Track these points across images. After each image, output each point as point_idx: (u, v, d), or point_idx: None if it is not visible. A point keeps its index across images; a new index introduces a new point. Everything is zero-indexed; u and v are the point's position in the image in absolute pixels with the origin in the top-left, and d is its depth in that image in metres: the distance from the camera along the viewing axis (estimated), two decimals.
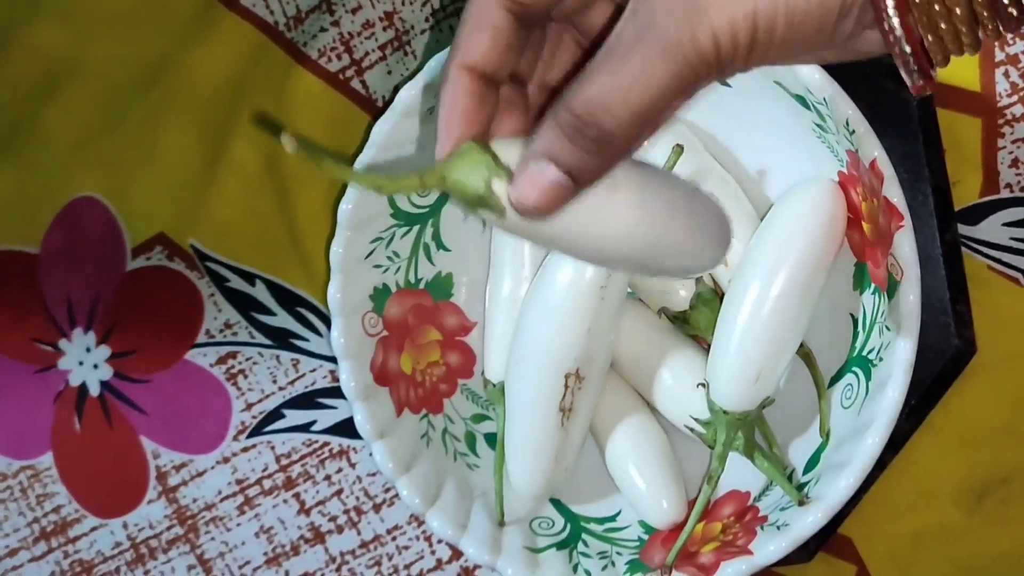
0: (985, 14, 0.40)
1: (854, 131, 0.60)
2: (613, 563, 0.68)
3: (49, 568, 0.81)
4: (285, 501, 0.79)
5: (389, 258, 0.71)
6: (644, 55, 0.41)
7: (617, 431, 0.70)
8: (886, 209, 0.61)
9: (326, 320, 0.77)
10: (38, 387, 0.80)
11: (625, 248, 0.46)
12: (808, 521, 0.62)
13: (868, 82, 0.64)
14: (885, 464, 0.69)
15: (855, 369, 0.65)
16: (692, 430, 0.67)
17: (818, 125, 0.63)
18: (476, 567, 0.77)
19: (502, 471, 0.69)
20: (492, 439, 0.72)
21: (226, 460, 0.79)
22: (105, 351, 0.79)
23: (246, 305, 0.78)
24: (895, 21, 0.40)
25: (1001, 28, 0.40)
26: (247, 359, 0.78)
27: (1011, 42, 0.68)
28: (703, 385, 0.66)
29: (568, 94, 0.42)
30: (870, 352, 0.64)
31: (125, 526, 0.80)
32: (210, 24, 0.77)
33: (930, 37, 0.40)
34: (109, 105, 0.78)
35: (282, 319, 0.78)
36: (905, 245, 0.61)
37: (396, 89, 0.75)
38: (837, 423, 0.65)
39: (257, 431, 0.79)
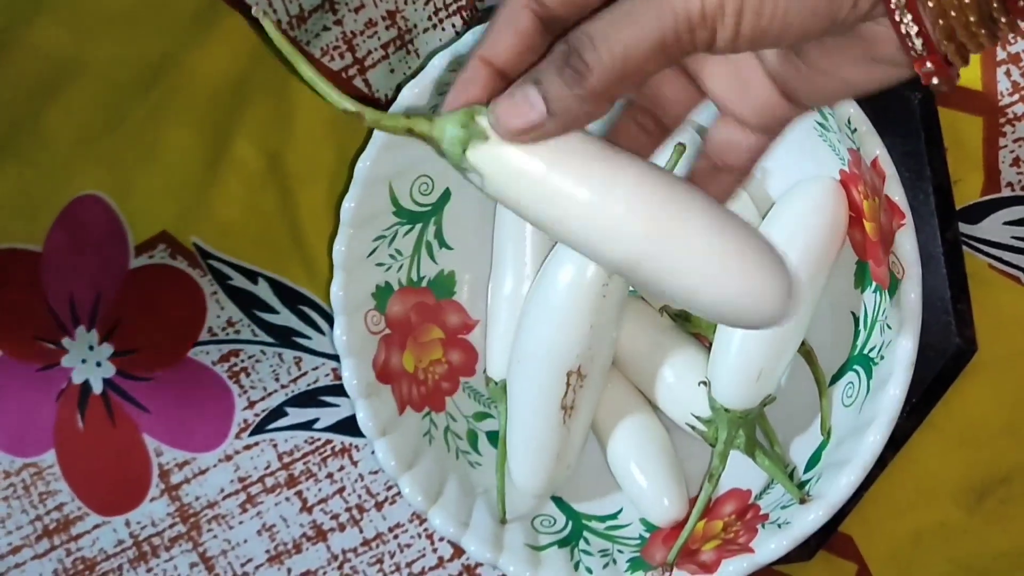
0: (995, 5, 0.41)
1: (855, 129, 0.61)
2: (614, 561, 0.68)
3: (52, 566, 0.81)
4: (287, 499, 0.79)
5: (392, 256, 0.71)
6: (636, 7, 0.43)
7: (619, 429, 0.70)
8: (887, 208, 0.61)
9: (329, 318, 0.77)
10: (41, 385, 0.80)
11: (611, 244, 0.45)
12: (809, 519, 0.62)
13: None
14: (886, 463, 0.69)
15: (856, 367, 0.65)
16: (693, 428, 0.67)
17: (819, 124, 0.63)
18: (478, 565, 0.77)
19: (504, 469, 0.69)
20: (494, 437, 0.73)
21: (228, 458, 0.79)
22: (108, 349, 0.80)
23: (249, 303, 0.78)
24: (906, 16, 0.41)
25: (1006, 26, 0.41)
26: (249, 357, 0.79)
27: (1012, 41, 0.68)
28: (704, 383, 0.66)
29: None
30: (871, 350, 0.64)
31: (127, 524, 0.80)
32: (212, 23, 0.77)
33: (941, 36, 0.41)
34: (111, 104, 0.78)
35: (284, 317, 0.78)
36: (906, 244, 0.61)
37: (399, 88, 0.75)
38: (838, 421, 0.65)
39: (259, 429, 0.79)
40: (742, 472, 0.67)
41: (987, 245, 0.70)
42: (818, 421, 0.66)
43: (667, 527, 0.69)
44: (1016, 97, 0.69)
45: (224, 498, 0.79)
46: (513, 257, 0.70)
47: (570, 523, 0.70)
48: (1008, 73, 0.69)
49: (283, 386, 0.78)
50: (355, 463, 0.78)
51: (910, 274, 0.61)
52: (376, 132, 0.67)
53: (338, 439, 0.78)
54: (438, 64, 0.65)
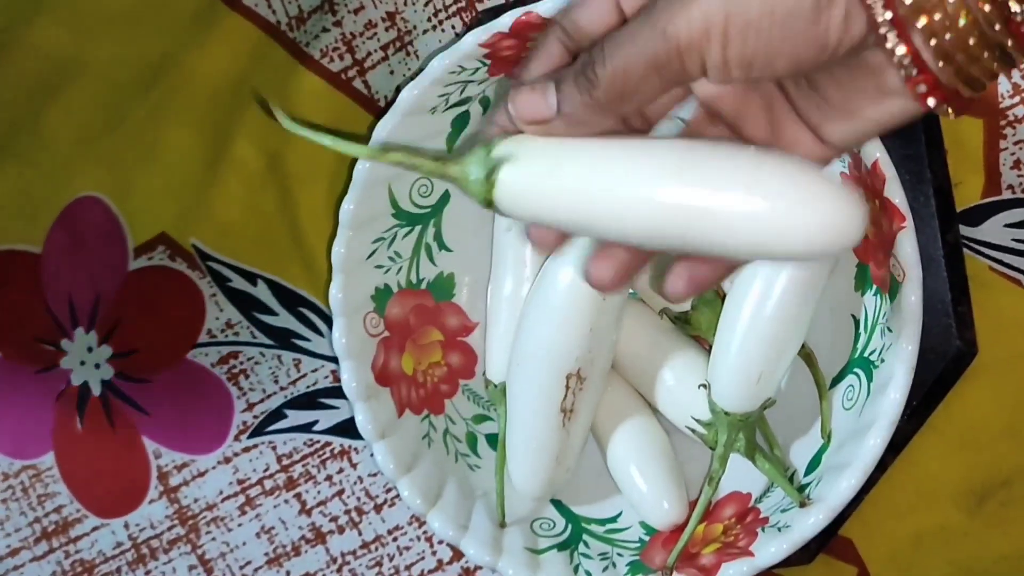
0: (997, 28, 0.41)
1: None
2: (614, 564, 0.68)
3: (50, 568, 0.81)
4: (286, 501, 0.79)
5: (391, 258, 0.71)
6: (638, 28, 0.45)
7: (618, 432, 0.70)
8: (888, 210, 0.61)
9: (328, 320, 0.77)
10: (40, 387, 0.80)
11: (658, 219, 0.46)
12: (809, 522, 0.62)
13: None
14: (886, 466, 0.69)
15: (856, 370, 0.65)
16: (693, 431, 0.67)
17: None
18: (477, 568, 0.77)
19: (503, 472, 0.69)
20: (493, 440, 0.72)
21: (227, 460, 0.79)
22: (107, 351, 0.79)
23: (248, 305, 0.78)
24: (891, 35, 0.41)
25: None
26: (249, 359, 0.78)
27: None
28: (704, 386, 0.66)
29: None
30: (871, 353, 0.64)
31: (126, 526, 0.80)
32: (212, 24, 0.77)
33: (936, 57, 0.41)
34: (111, 104, 0.78)
35: (284, 319, 0.78)
36: (907, 246, 0.61)
37: (398, 89, 0.75)
38: (838, 424, 0.65)
39: (258, 431, 0.79)
40: (742, 475, 0.67)
41: (988, 247, 0.70)
42: (818, 424, 0.66)
43: (667, 530, 0.69)
44: (1017, 99, 0.69)
45: (223, 500, 0.79)
46: (513, 259, 0.70)
47: (570, 526, 0.70)
48: (1009, 76, 0.68)
49: (282, 388, 0.78)
50: (354, 465, 0.78)
51: (910, 277, 0.61)
52: (375, 134, 0.67)
53: (337, 441, 0.78)
54: (438, 66, 0.65)
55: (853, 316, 0.66)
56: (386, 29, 0.75)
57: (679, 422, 0.69)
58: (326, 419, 0.78)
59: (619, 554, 0.69)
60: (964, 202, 0.69)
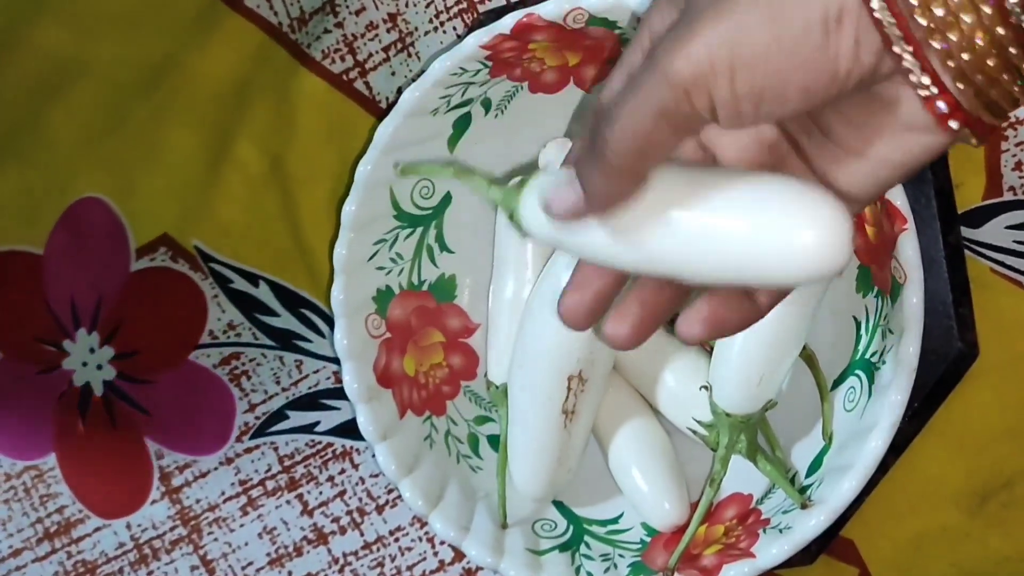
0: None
1: None
2: (615, 565, 0.68)
3: (52, 568, 0.81)
4: (288, 502, 0.79)
5: (392, 260, 0.71)
6: (641, 76, 0.42)
7: (620, 433, 0.70)
8: (889, 212, 0.61)
9: (329, 321, 0.77)
10: (42, 388, 0.80)
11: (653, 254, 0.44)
12: (810, 524, 0.62)
13: None
14: (887, 467, 0.69)
15: (858, 372, 0.65)
16: (695, 432, 0.67)
17: None
18: (479, 569, 0.77)
19: (505, 473, 0.69)
20: (495, 441, 0.73)
21: (229, 461, 0.79)
22: (109, 352, 0.80)
23: (249, 306, 0.78)
24: (907, 52, 0.40)
25: None
26: (250, 360, 0.79)
27: None
28: (706, 387, 0.66)
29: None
30: (873, 355, 0.64)
31: (128, 527, 0.80)
32: (214, 25, 0.77)
33: (955, 78, 0.40)
34: (113, 105, 0.78)
35: (285, 320, 0.78)
36: (908, 248, 0.61)
37: (400, 91, 0.75)
38: (840, 426, 0.65)
39: (260, 432, 0.79)
40: (743, 477, 0.67)
41: (989, 249, 0.70)
42: (820, 426, 0.66)
43: (668, 531, 0.69)
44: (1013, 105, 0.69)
45: (225, 501, 0.79)
46: (514, 261, 0.70)
47: (571, 527, 0.70)
48: None
49: (284, 389, 0.78)
50: (356, 466, 0.78)
51: (912, 278, 0.61)
52: (377, 135, 0.67)
53: (339, 442, 0.78)
54: (439, 67, 0.65)
55: (854, 318, 0.66)
56: (387, 30, 0.75)
57: (680, 423, 0.69)
58: (328, 420, 0.78)
59: (620, 555, 0.69)
60: (965, 204, 0.69)
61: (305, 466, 0.78)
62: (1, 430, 0.81)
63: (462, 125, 0.69)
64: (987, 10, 0.38)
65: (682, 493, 0.69)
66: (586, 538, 0.70)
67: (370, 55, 0.76)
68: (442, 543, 0.77)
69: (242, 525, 0.79)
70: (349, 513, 0.78)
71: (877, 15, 0.39)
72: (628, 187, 0.43)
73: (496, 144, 0.71)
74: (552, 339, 0.65)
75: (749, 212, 0.42)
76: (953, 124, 0.41)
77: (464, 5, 0.74)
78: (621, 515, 0.71)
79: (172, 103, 0.78)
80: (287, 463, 0.79)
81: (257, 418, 0.79)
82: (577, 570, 0.67)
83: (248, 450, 0.79)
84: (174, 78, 0.78)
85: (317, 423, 0.78)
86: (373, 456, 0.69)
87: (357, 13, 0.75)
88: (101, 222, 0.79)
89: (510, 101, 0.69)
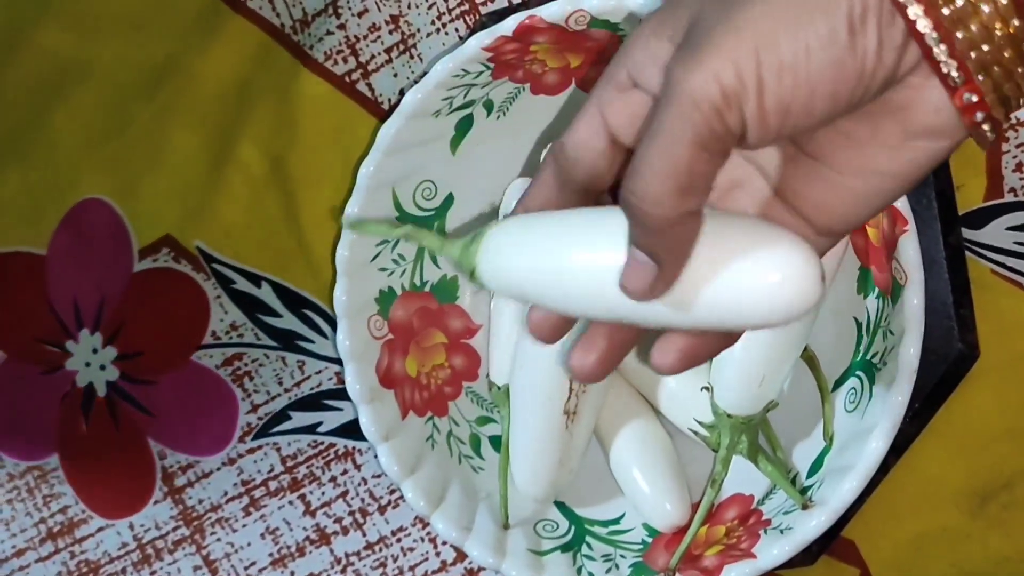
0: None
1: None
2: (617, 566, 0.68)
3: (56, 568, 0.81)
4: (291, 502, 0.79)
5: (395, 261, 0.71)
6: (661, 113, 0.40)
7: (621, 434, 0.70)
8: (890, 213, 0.61)
9: (332, 322, 0.77)
10: (45, 388, 0.80)
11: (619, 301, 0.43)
12: (811, 525, 0.62)
13: None
14: (888, 468, 0.69)
15: (859, 373, 0.65)
16: (696, 433, 0.68)
17: None
18: (480, 569, 0.78)
19: (507, 474, 0.70)
20: (497, 442, 0.73)
21: (232, 461, 0.79)
22: (112, 352, 0.80)
23: (252, 307, 0.79)
24: (940, 46, 0.39)
25: None
26: (253, 361, 0.79)
27: None
28: (707, 388, 0.66)
29: None
30: (874, 356, 0.64)
31: (131, 527, 0.80)
32: (216, 26, 0.77)
33: (976, 69, 0.39)
34: (116, 107, 0.79)
35: (288, 321, 0.78)
36: (909, 249, 0.61)
37: (402, 92, 0.75)
38: (841, 427, 0.65)
39: (263, 432, 0.79)
40: (745, 477, 0.67)
41: (990, 250, 0.70)
42: (820, 427, 0.66)
43: (670, 532, 0.69)
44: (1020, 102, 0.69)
45: (227, 501, 0.79)
46: None
47: (573, 528, 0.70)
48: None
49: (286, 390, 0.79)
50: (358, 467, 0.78)
51: (912, 280, 0.61)
52: (379, 137, 0.67)
53: (341, 443, 0.78)
54: (441, 69, 0.65)
55: (855, 319, 0.66)
56: (390, 32, 0.75)
57: (682, 424, 0.69)
58: (330, 421, 0.78)
59: (622, 556, 0.69)
60: (966, 205, 0.70)
61: (307, 466, 0.78)
62: (4, 430, 0.81)
63: (464, 127, 0.70)
64: (1003, 0, 0.38)
65: (683, 494, 0.69)
66: (588, 539, 0.70)
67: (372, 56, 0.76)
68: (444, 543, 0.78)
69: (245, 525, 0.79)
70: (351, 513, 0.78)
71: (910, 13, 0.39)
72: (685, 228, 0.41)
73: (498, 145, 0.71)
74: None
75: (714, 258, 0.42)
76: (979, 115, 0.40)
77: (466, 7, 0.74)
78: (623, 516, 0.71)
79: (174, 104, 0.78)
80: (289, 464, 0.79)
81: (260, 419, 0.79)
82: (579, 571, 0.68)
83: (251, 450, 0.79)
84: (176, 79, 0.78)
85: (319, 424, 0.78)
86: (375, 457, 0.69)
87: (359, 15, 0.76)
88: (104, 223, 0.79)
89: (512, 103, 0.70)
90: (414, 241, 0.50)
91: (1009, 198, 0.69)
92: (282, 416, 0.79)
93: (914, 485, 0.71)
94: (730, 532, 0.66)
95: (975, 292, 0.68)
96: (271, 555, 0.79)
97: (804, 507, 0.62)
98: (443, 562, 0.78)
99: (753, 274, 0.42)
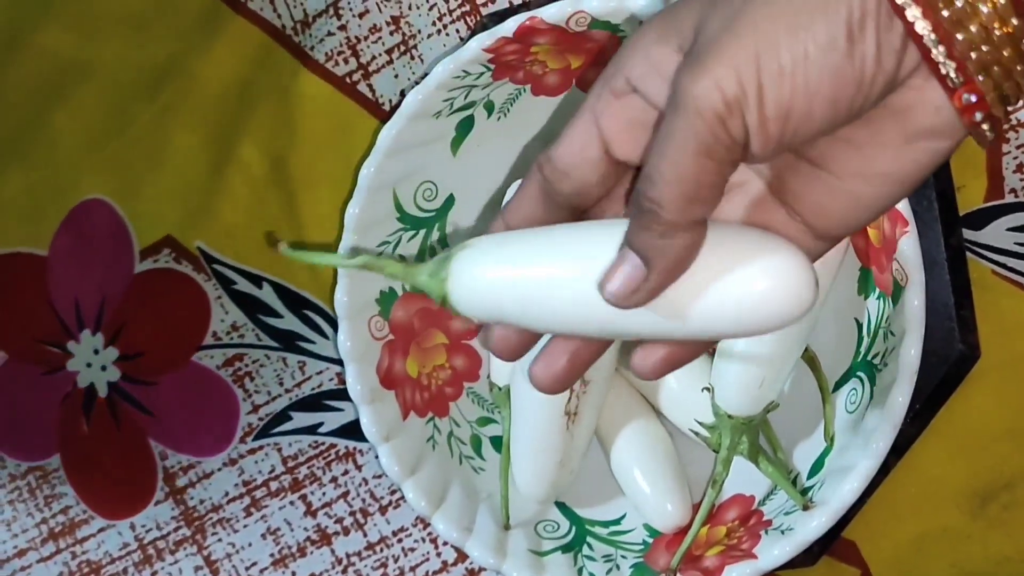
0: None
1: None
2: (618, 566, 0.68)
3: (57, 569, 0.81)
4: (292, 503, 0.79)
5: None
6: (668, 123, 0.40)
7: (622, 435, 0.70)
8: (890, 214, 0.61)
9: (333, 323, 0.77)
10: (46, 389, 0.80)
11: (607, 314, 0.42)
12: (812, 525, 0.62)
13: None
14: (889, 468, 0.69)
15: (859, 374, 0.65)
16: (697, 434, 0.68)
17: None
18: (481, 570, 0.78)
19: (507, 474, 0.70)
20: (497, 442, 0.73)
21: (233, 462, 0.79)
22: (113, 353, 0.80)
23: (253, 307, 0.79)
24: (939, 50, 0.39)
25: None
26: (254, 361, 0.79)
27: None
28: (708, 389, 0.66)
29: None
30: (874, 357, 0.64)
31: (133, 527, 0.81)
32: (217, 27, 0.77)
33: (976, 69, 0.39)
34: (117, 107, 0.79)
35: (289, 321, 0.78)
36: (909, 250, 0.61)
37: (403, 93, 0.75)
38: (841, 428, 0.65)
39: (264, 433, 0.79)
40: (745, 478, 0.67)
41: (990, 251, 0.70)
42: (821, 427, 0.66)
43: (670, 533, 0.69)
44: (1020, 103, 0.69)
45: (229, 502, 0.79)
46: None
47: (574, 528, 0.70)
48: None
49: (287, 390, 0.79)
50: (359, 467, 0.78)
51: (913, 280, 0.61)
52: (380, 138, 0.67)
53: (342, 443, 0.78)
54: (442, 70, 0.65)
55: (856, 320, 0.66)
56: (390, 33, 0.75)
57: (682, 425, 0.69)
58: (331, 421, 0.78)
59: (623, 556, 0.69)
60: (967, 206, 0.70)
61: (308, 467, 0.79)
62: (6, 431, 0.81)
63: (465, 128, 0.70)
64: (1002, 0, 0.38)
65: (684, 494, 0.69)
66: (588, 539, 0.70)
67: (373, 58, 0.76)
68: (445, 544, 0.78)
69: (246, 526, 0.79)
70: (352, 514, 0.78)
71: (908, 15, 0.38)
72: (693, 236, 0.41)
73: (499, 146, 0.71)
74: None
75: (706, 268, 0.42)
76: (978, 115, 0.40)
77: (467, 8, 0.74)
78: (623, 516, 0.71)
79: (175, 105, 0.78)
80: (290, 464, 0.79)
81: (261, 419, 0.79)
82: (580, 571, 0.68)
83: (252, 451, 0.79)
84: (177, 80, 0.78)
85: (320, 424, 0.78)
86: (376, 457, 0.69)
87: (360, 16, 0.76)
88: (105, 224, 0.79)
89: (513, 104, 0.70)
90: (375, 271, 0.47)
91: (1010, 199, 0.69)
92: (283, 417, 0.79)
93: (915, 486, 0.71)
94: (731, 533, 0.66)
95: (976, 293, 0.68)
96: (272, 555, 0.79)
97: (805, 508, 0.62)
98: (444, 562, 0.78)
99: (745, 282, 0.42)
